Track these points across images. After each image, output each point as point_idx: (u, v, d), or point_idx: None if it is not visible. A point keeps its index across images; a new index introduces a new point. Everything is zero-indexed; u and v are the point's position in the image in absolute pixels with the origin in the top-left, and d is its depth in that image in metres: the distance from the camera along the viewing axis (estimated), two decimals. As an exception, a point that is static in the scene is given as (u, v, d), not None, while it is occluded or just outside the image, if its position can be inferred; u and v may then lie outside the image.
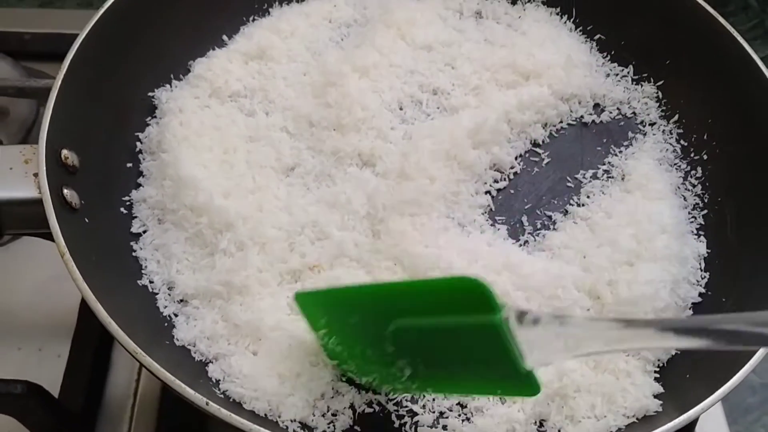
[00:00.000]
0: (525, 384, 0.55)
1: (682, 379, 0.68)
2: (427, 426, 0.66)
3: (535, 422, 0.66)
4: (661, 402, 0.66)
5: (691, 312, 0.73)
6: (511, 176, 0.81)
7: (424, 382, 0.60)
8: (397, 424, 0.67)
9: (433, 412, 0.67)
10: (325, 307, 0.62)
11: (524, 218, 0.78)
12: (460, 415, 0.67)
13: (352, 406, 0.67)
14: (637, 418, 0.66)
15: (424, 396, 0.67)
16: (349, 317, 0.60)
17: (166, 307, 0.71)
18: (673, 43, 0.87)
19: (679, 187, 0.81)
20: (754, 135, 0.78)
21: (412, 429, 0.66)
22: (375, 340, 0.59)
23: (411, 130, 0.80)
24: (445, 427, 0.66)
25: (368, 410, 0.67)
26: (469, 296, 0.52)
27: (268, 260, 0.71)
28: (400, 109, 0.83)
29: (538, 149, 0.83)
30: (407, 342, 0.57)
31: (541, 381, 0.55)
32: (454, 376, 0.59)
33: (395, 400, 0.67)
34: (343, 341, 0.62)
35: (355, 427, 0.66)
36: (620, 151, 0.83)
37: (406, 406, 0.67)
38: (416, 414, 0.67)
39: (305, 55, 0.87)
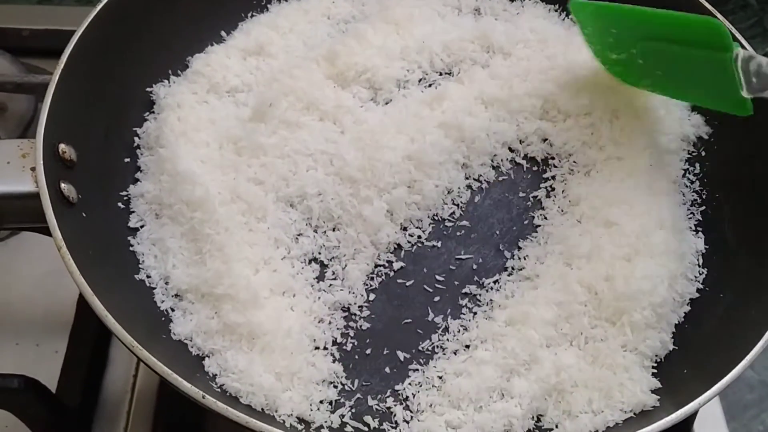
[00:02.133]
0: (740, 105, 0.69)
1: (680, 374, 0.68)
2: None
3: (533, 417, 0.66)
4: (658, 397, 0.66)
5: (688, 308, 0.73)
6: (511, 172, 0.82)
7: (656, 82, 0.77)
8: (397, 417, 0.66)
9: (431, 406, 0.66)
10: (595, 17, 0.77)
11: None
12: (458, 410, 0.66)
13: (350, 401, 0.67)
14: (634, 413, 0.65)
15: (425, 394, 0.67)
16: (611, 28, 0.76)
17: (163, 301, 0.71)
18: (671, 40, 0.87)
19: (677, 183, 0.81)
20: (752, 132, 0.78)
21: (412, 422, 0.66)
22: (626, 48, 0.76)
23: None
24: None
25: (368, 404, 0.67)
26: (708, 32, 0.68)
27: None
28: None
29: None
30: (650, 55, 0.74)
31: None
32: (682, 86, 0.76)
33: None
34: (602, 42, 0.78)
35: (353, 421, 0.65)
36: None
37: (407, 397, 0.67)
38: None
39: (303, 51, 0.87)
